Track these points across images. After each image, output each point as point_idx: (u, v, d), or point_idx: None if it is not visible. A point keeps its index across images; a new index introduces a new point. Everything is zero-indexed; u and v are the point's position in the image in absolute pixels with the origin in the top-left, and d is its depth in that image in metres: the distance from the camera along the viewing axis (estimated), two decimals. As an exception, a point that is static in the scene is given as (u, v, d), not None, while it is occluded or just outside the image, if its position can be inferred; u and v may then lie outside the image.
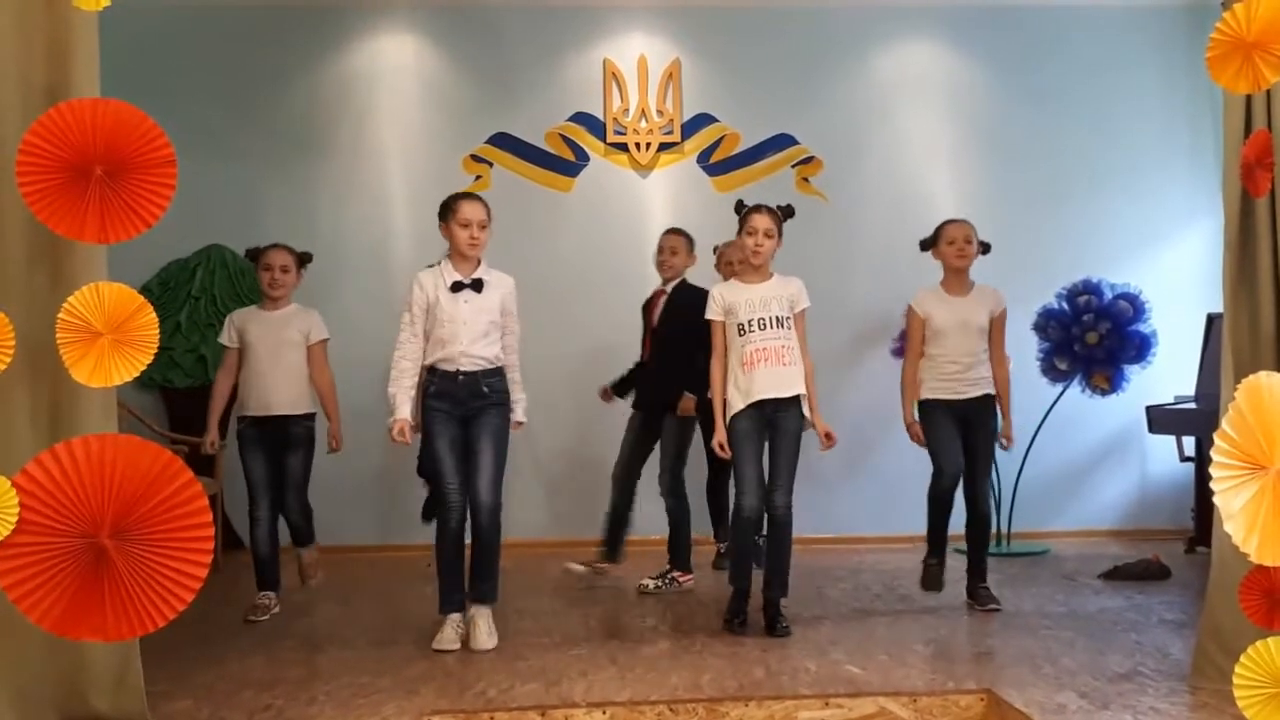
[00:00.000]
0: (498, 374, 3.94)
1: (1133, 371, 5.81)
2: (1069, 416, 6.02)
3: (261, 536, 4.45)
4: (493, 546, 3.86)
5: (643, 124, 6.55)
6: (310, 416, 4.53)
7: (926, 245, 4.53)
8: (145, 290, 6.23)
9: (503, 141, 6.50)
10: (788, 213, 4.11)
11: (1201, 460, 5.60)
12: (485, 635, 3.73)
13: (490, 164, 6.50)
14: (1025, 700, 2.87)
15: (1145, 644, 3.58)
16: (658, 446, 4.95)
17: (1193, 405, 5.61)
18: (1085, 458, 6.45)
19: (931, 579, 4.42)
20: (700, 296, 4.67)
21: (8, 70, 2.53)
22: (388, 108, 6.55)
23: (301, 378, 4.49)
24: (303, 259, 4.56)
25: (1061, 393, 5.96)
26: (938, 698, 3.00)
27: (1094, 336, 5.76)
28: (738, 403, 3.93)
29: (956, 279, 4.44)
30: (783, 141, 6.54)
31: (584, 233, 6.27)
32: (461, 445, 3.88)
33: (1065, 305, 5.87)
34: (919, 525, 5.99)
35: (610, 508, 4.95)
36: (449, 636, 3.73)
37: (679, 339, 4.79)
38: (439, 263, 4.00)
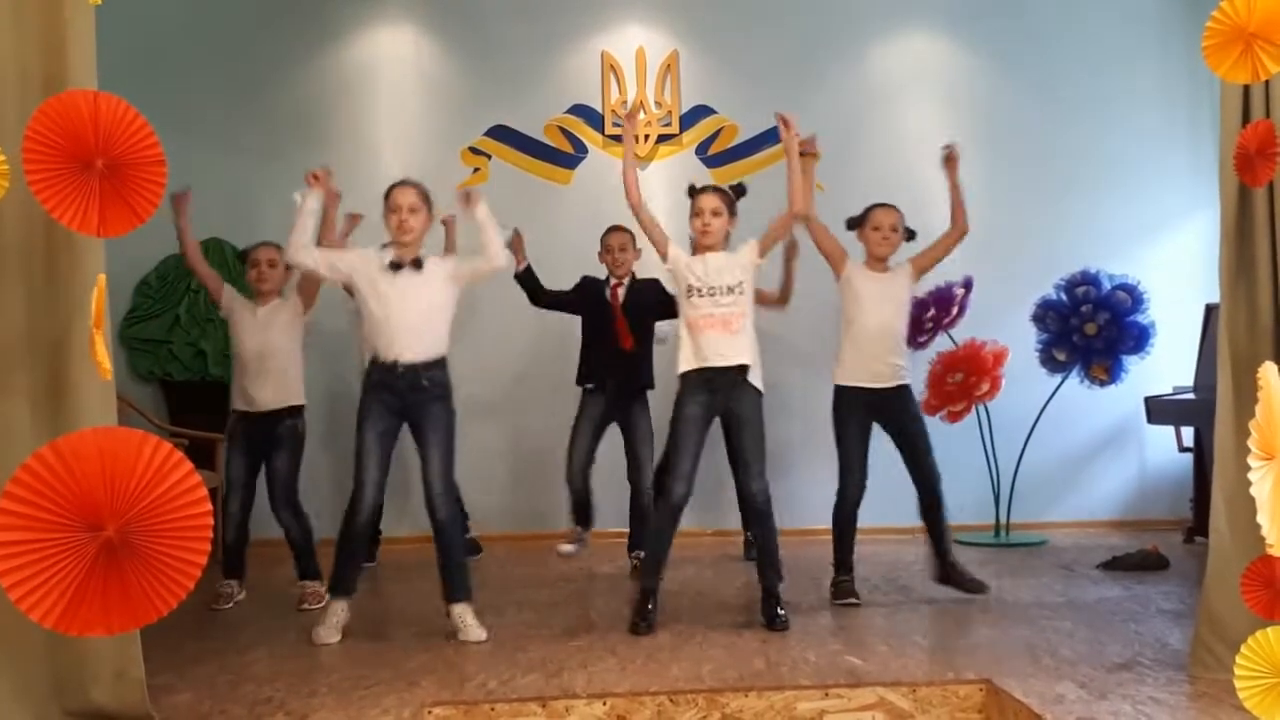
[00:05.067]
0: (439, 365, 3.84)
1: (1131, 362, 5.81)
2: (1067, 407, 6.03)
3: (230, 527, 4.46)
4: (455, 544, 3.84)
5: (641, 116, 6.54)
6: (298, 410, 4.54)
7: (852, 225, 4.50)
8: (144, 284, 6.24)
9: (501, 134, 6.50)
10: (739, 192, 4.09)
11: (1200, 451, 5.60)
12: (475, 628, 3.72)
13: (489, 156, 6.50)
14: (1024, 690, 2.88)
15: (1144, 634, 3.59)
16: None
17: (1191, 396, 5.61)
18: (1084, 448, 6.46)
19: (845, 592, 4.27)
20: (654, 284, 4.92)
21: (4, 62, 2.52)
22: (386, 100, 6.55)
23: (288, 372, 4.52)
24: None
25: (1060, 383, 5.97)
26: (937, 688, 3.00)
27: (1092, 327, 5.76)
28: (686, 364, 3.91)
29: (879, 264, 4.43)
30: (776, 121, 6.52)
31: (583, 225, 6.25)
32: (391, 440, 3.84)
33: (1064, 296, 5.87)
34: (914, 517, 5.99)
35: (575, 499, 4.98)
36: (328, 629, 3.72)
37: (643, 329, 4.97)
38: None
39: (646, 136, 6.54)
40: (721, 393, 3.88)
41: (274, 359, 4.46)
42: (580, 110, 6.56)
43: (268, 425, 4.47)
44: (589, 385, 5.03)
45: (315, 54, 6.51)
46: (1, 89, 2.52)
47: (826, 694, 2.99)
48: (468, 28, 6.58)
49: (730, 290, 3.90)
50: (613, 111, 6.54)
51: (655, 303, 4.96)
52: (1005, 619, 3.94)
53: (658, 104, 6.57)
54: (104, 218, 2.01)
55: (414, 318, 3.80)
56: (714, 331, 3.87)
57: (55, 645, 2.55)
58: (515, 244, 4.89)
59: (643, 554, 4.84)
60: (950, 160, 4.45)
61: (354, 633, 3.79)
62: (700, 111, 6.58)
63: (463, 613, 3.76)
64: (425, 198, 3.88)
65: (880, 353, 4.31)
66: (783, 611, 3.81)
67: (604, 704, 2.94)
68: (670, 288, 4.71)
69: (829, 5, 6.64)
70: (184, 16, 6.43)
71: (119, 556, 1.60)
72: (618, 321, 4.95)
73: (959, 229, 4.41)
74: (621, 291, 5.01)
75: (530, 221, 6.16)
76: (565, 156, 6.54)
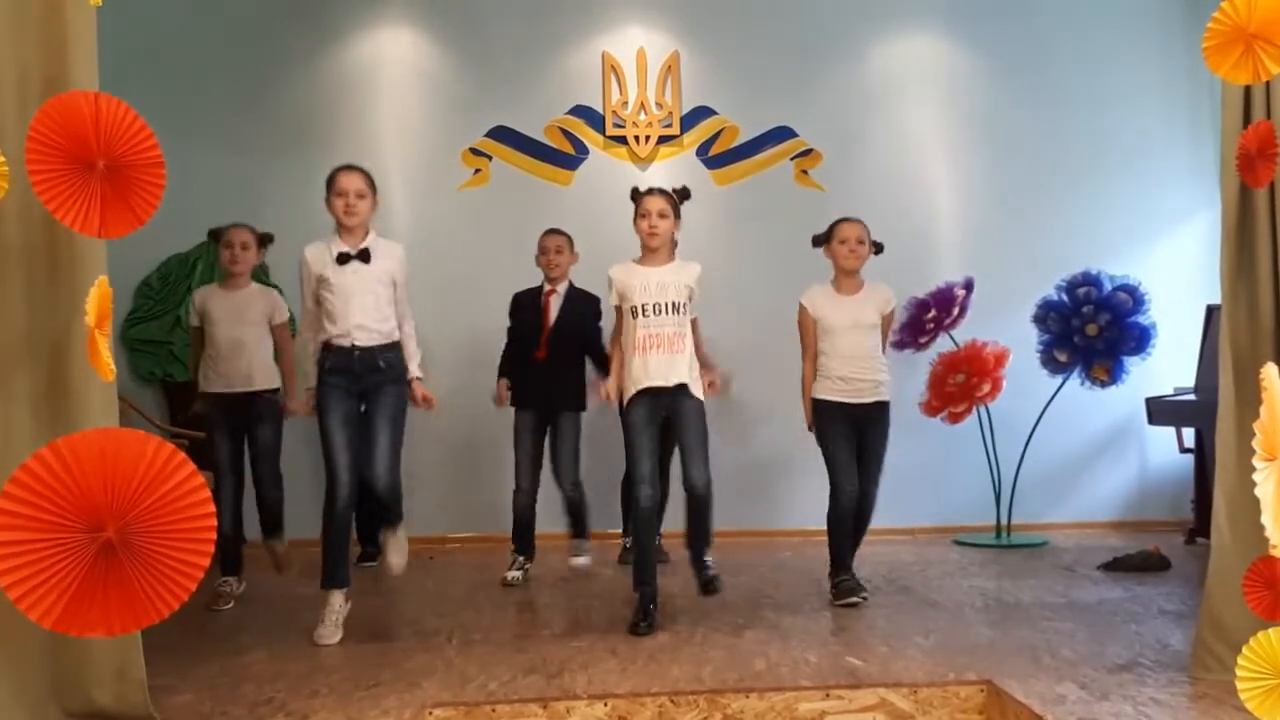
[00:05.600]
0: (394, 348, 3.91)
1: (1132, 363, 5.81)
2: (1069, 408, 6.03)
3: (224, 517, 4.45)
4: (394, 500, 3.95)
5: (642, 117, 6.55)
6: (274, 391, 4.56)
7: (818, 242, 4.46)
8: (145, 285, 6.24)
9: (502, 134, 6.50)
10: (683, 195, 4.08)
11: (1201, 452, 5.60)
12: (395, 553, 4.02)
13: (490, 157, 6.50)
14: (1025, 691, 2.87)
15: (1145, 635, 3.59)
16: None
17: (1192, 397, 5.61)
18: (1085, 449, 6.45)
19: (846, 591, 4.24)
20: (594, 302, 4.94)
21: (5, 63, 2.52)
22: (387, 101, 6.55)
23: (263, 355, 4.55)
24: (263, 239, 4.61)
25: (1061, 384, 5.96)
26: (938, 689, 3.00)
27: (1094, 328, 5.76)
28: (631, 388, 3.90)
29: (846, 279, 4.39)
30: (782, 134, 6.53)
31: (583, 226, 6.24)
32: (355, 422, 3.87)
33: (1065, 297, 5.87)
34: (918, 518, 6.03)
35: (519, 524, 4.97)
36: (329, 628, 3.76)
37: (575, 338, 4.95)
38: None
39: (647, 138, 6.55)
40: (664, 402, 3.91)
41: (248, 343, 4.51)
42: (581, 111, 6.56)
43: (247, 402, 4.48)
44: (521, 403, 4.98)
45: (316, 55, 6.51)
46: (2, 90, 2.52)
47: (827, 695, 2.99)
48: (468, 29, 6.58)
49: (675, 309, 3.91)
50: (613, 112, 6.54)
51: (587, 321, 4.98)
52: (1006, 620, 3.94)
53: (658, 105, 6.57)
54: (105, 219, 2.02)
55: (367, 303, 3.84)
56: (659, 351, 3.88)
57: (56, 646, 2.55)
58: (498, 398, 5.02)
59: (581, 543, 5.04)
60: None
61: (355, 633, 3.79)
62: (701, 112, 6.58)
63: (390, 537, 4.01)
64: (371, 183, 3.93)
65: (859, 371, 4.29)
66: (709, 568, 3.93)
67: (605, 705, 2.94)
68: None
69: (829, 6, 6.64)
70: (185, 17, 6.43)
71: (120, 557, 1.60)
72: (544, 333, 4.91)
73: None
74: (555, 300, 4.98)
75: (530, 222, 6.18)
76: (566, 157, 6.54)
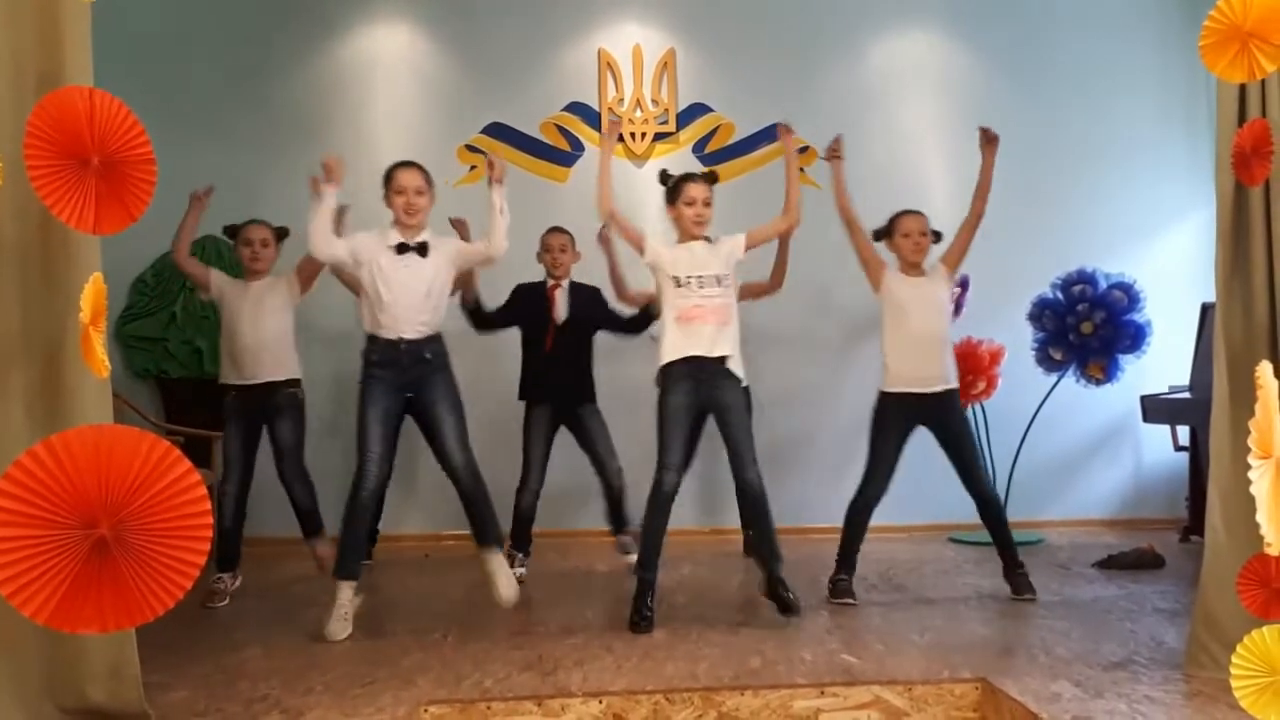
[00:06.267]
0: (438, 340, 3.92)
1: (1127, 361, 5.81)
2: (1063, 406, 6.04)
3: (227, 510, 4.42)
4: (482, 498, 3.90)
5: (638, 114, 6.54)
6: (296, 383, 4.52)
7: (880, 235, 4.49)
8: (140, 282, 6.23)
9: (498, 131, 6.49)
10: (711, 179, 4.10)
11: (1196, 450, 5.61)
12: (505, 584, 3.84)
13: (485, 154, 6.49)
14: (1020, 689, 2.88)
15: (1139, 633, 3.59)
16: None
17: (1187, 395, 5.61)
18: (1080, 447, 6.46)
19: (841, 591, 4.25)
20: (596, 292, 5.02)
21: (0, 59, 2.51)
22: (383, 97, 6.54)
23: (284, 344, 4.50)
24: (280, 234, 4.58)
25: (1056, 382, 5.97)
26: (933, 686, 3.01)
27: (1089, 326, 5.77)
28: (669, 354, 3.89)
29: (912, 270, 4.43)
30: (778, 131, 6.52)
31: (579, 223, 6.25)
32: (395, 418, 3.88)
33: (1060, 295, 5.88)
34: (913, 515, 6.03)
35: (520, 521, 4.95)
36: (339, 622, 3.72)
37: (584, 330, 4.97)
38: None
39: (643, 134, 6.54)
40: (705, 383, 3.87)
41: (268, 336, 4.47)
42: (577, 108, 6.55)
43: (265, 395, 4.44)
44: (532, 397, 4.98)
45: (312, 51, 6.50)
46: (-3, 86, 2.51)
47: (822, 692, 2.99)
48: (464, 25, 6.57)
49: (718, 281, 3.90)
50: (609, 110, 6.54)
51: (596, 312, 5.01)
52: (1001, 617, 3.95)
53: (654, 102, 6.57)
54: (99, 215, 2.01)
55: (417, 298, 3.85)
56: (702, 322, 3.87)
57: (50, 642, 2.55)
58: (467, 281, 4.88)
59: (626, 540, 4.95)
60: (990, 141, 4.44)
61: (350, 631, 3.78)
62: (697, 109, 6.58)
63: (495, 565, 3.87)
64: (429, 179, 3.94)
65: (929, 357, 4.29)
66: (791, 594, 3.79)
67: (600, 702, 2.94)
68: (615, 298, 4.80)
69: (827, 3, 6.63)
70: (180, 12, 6.42)
71: (114, 554, 1.59)
72: (550, 326, 4.92)
73: (976, 214, 4.41)
74: (560, 295, 4.99)
75: (527, 219, 6.16)
76: (562, 154, 6.54)
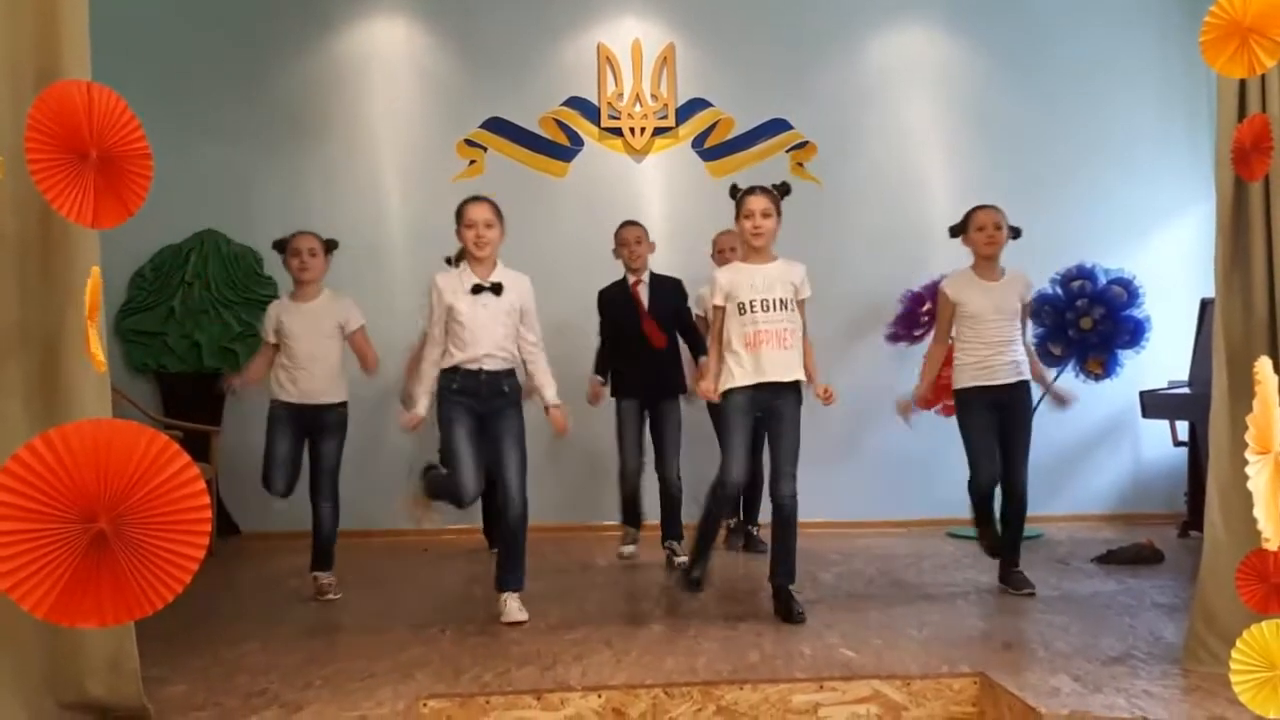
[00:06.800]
0: (513, 374, 4.02)
1: (1126, 356, 5.82)
2: (1063, 401, 6.03)
3: (278, 484, 4.46)
4: (520, 541, 3.97)
5: (637, 108, 6.54)
6: (344, 404, 4.52)
7: (956, 232, 4.48)
8: (139, 276, 6.23)
9: (497, 126, 6.49)
10: (784, 190, 4.07)
11: (1195, 445, 5.61)
12: (516, 610, 3.89)
13: (484, 149, 6.49)
14: (1019, 683, 2.88)
15: (1138, 627, 3.60)
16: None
17: (1186, 390, 5.62)
18: (1079, 442, 6.46)
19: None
20: (678, 284, 5.05)
21: (-1, 55, 2.51)
22: (381, 92, 6.54)
23: (336, 368, 4.49)
24: (329, 245, 4.56)
25: (1056, 377, 5.95)
26: (931, 681, 3.01)
27: (1088, 321, 5.77)
28: (738, 380, 3.89)
29: (987, 265, 4.39)
30: (777, 126, 6.53)
31: (579, 218, 6.27)
32: (478, 438, 3.95)
33: (1059, 290, 5.88)
34: (912, 510, 6.04)
35: (628, 502, 5.09)
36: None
37: (669, 321, 5.00)
38: (453, 261, 4.09)
39: (642, 129, 6.54)
40: (769, 390, 3.89)
41: (326, 354, 4.46)
42: (576, 103, 6.54)
43: (316, 414, 4.45)
44: (625, 392, 5.05)
45: (310, 46, 6.49)
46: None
47: (821, 687, 2.99)
48: (463, 20, 6.56)
49: (784, 304, 3.91)
50: (608, 104, 6.53)
51: (678, 303, 5.03)
52: (999, 612, 3.95)
53: (654, 96, 6.56)
54: (97, 210, 2.01)
55: (497, 335, 3.95)
56: (769, 346, 3.87)
57: (50, 636, 2.55)
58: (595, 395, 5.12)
59: (675, 544, 5.02)
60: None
61: (349, 625, 3.79)
62: (696, 104, 6.57)
63: (509, 599, 3.93)
64: (498, 212, 3.99)
65: (996, 356, 4.29)
66: (799, 609, 3.81)
67: (599, 696, 2.94)
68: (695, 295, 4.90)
69: (826, -1, 6.63)
70: (178, 7, 6.41)
71: (113, 548, 1.59)
72: (645, 322, 4.95)
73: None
74: (643, 290, 5.01)
75: (525, 214, 6.17)
76: (561, 149, 6.53)
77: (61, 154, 1.96)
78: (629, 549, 5.14)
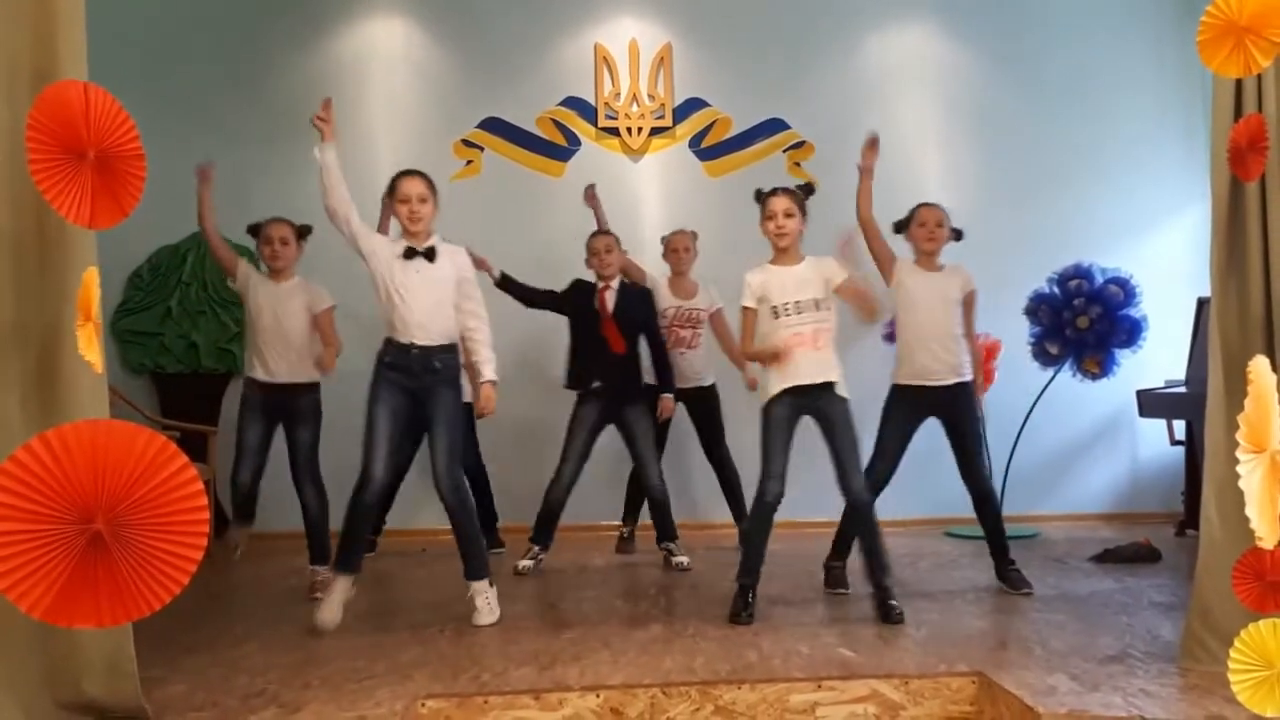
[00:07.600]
0: (450, 350, 3.91)
1: (1123, 356, 5.82)
2: (1060, 401, 6.04)
3: (241, 487, 4.48)
4: (467, 523, 3.90)
5: (634, 108, 6.54)
6: (315, 387, 4.54)
7: (900, 227, 4.50)
8: (136, 276, 6.22)
9: (494, 126, 6.49)
10: (808, 191, 4.07)
11: (1192, 444, 5.62)
12: (485, 612, 3.80)
13: (481, 148, 6.49)
14: (1016, 682, 2.88)
15: (1135, 626, 3.60)
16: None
17: (1183, 389, 5.63)
18: (1076, 442, 6.47)
19: (834, 580, 4.33)
20: (646, 294, 5.14)
21: (-5, 54, 2.51)
22: (378, 92, 6.54)
23: (303, 348, 4.50)
24: (301, 231, 4.59)
25: (1052, 377, 5.98)
26: (929, 680, 3.01)
27: (1085, 321, 5.77)
28: (774, 386, 3.88)
29: (927, 261, 4.43)
30: (774, 126, 6.54)
31: (575, 218, 6.25)
32: (404, 419, 3.86)
33: (1056, 289, 5.88)
34: (910, 510, 6.04)
35: (547, 513, 5.00)
36: (331, 607, 3.75)
37: (632, 326, 5.01)
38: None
39: (639, 129, 6.54)
40: (806, 402, 3.88)
41: (292, 334, 4.48)
42: (573, 103, 6.55)
43: (287, 396, 4.46)
44: (582, 390, 5.02)
45: (307, 45, 6.49)
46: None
47: (819, 686, 2.99)
48: (460, 20, 6.56)
49: (817, 305, 3.89)
50: (605, 103, 6.53)
51: (644, 314, 5.03)
52: (997, 611, 3.95)
53: (651, 96, 6.56)
54: (94, 209, 2.01)
55: (428, 304, 3.85)
56: (803, 349, 3.86)
57: (47, 637, 2.54)
58: (479, 262, 4.80)
59: (671, 545, 5.03)
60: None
61: (348, 625, 3.79)
62: (693, 104, 6.57)
63: (475, 593, 3.85)
64: (431, 186, 3.93)
65: (936, 351, 4.29)
66: (895, 603, 3.78)
67: (597, 696, 2.94)
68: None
69: (823, -2, 6.64)
70: (176, 6, 6.40)
71: (110, 549, 1.59)
72: (606, 326, 4.94)
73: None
74: (610, 295, 5.01)
75: (523, 214, 6.18)
76: (558, 149, 6.53)
77: (61, 154, 1.96)
78: (525, 564, 4.91)
